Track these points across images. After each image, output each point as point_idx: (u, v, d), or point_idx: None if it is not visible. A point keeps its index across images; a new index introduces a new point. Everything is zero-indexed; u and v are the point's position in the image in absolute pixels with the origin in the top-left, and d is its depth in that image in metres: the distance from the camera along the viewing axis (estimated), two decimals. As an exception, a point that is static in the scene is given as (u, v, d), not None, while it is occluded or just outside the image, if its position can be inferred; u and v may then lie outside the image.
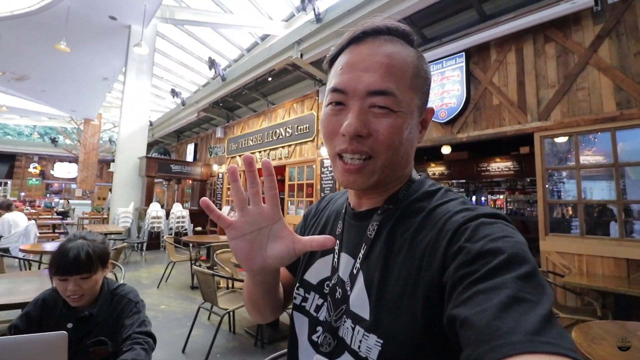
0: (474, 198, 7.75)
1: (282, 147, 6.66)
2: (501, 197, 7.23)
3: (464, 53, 3.91)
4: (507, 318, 0.30)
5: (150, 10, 6.83)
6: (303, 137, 6.16)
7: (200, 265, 4.29)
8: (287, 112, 6.70)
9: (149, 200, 7.65)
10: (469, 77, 3.90)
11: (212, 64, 6.51)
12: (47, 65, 9.14)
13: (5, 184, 15.95)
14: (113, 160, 11.91)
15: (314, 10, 4.54)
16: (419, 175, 0.56)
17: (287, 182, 6.64)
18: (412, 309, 0.41)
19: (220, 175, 8.68)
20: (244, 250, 0.44)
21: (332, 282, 0.54)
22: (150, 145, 10.99)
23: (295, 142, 6.31)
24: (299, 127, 6.23)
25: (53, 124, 16.07)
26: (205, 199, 0.43)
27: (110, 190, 8.84)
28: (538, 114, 3.34)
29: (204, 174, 9.11)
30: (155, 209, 7.04)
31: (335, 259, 0.55)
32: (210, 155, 9.36)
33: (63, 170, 16.72)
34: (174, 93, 8.68)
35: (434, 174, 8.34)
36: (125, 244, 4.23)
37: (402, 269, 0.44)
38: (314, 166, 5.99)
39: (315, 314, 0.55)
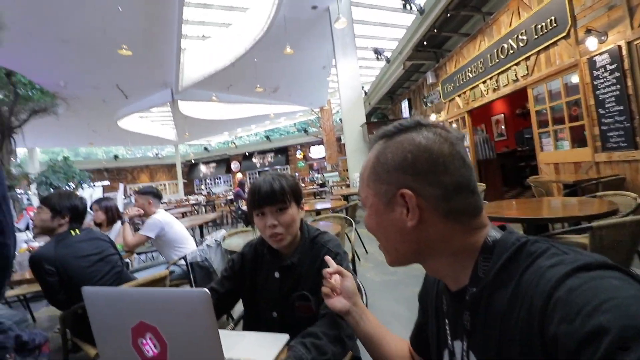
0: None
1: (516, 64, 4.98)
2: None
3: None
4: None
5: (339, -21, 6.91)
6: (549, 37, 4.30)
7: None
8: (514, 15, 4.92)
9: (377, 163, 8.11)
10: None
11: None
12: (285, 73, 11.52)
13: (285, 169, 22.24)
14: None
15: None
16: (494, 235, 0.48)
17: (532, 109, 4.95)
18: None
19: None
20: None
21: None
22: (369, 115, 11.69)
23: (537, 49, 4.51)
24: (539, 26, 4.39)
25: (302, 119, 20.75)
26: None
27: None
28: None
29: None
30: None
31: (450, 342, 0.55)
32: (425, 105, 8.68)
33: (316, 152, 21.27)
34: (377, 52, 8.60)
35: None
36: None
37: (505, 356, 0.41)
38: (576, 73, 4.07)
39: None
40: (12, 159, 8.89)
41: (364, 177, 0.55)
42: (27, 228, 4.97)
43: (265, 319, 1.07)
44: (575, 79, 4.12)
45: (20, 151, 14.02)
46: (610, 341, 0.28)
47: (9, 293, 2.81)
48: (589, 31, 3.71)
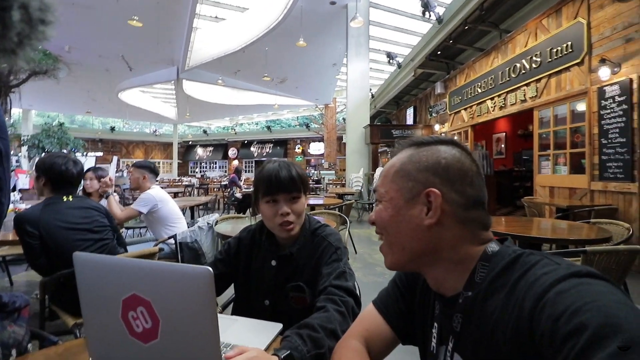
0: None
1: (526, 84, 5.00)
2: None
3: None
4: None
5: (360, -23, 6.85)
6: (562, 62, 4.31)
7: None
8: (531, 36, 4.93)
9: (375, 165, 8.14)
10: None
11: (425, 5, 5.72)
12: (295, 65, 11.44)
13: (284, 162, 22.25)
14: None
15: None
16: (494, 247, 0.51)
17: (536, 131, 4.98)
18: None
19: (443, 135, 7.88)
20: None
21: None
22: (373, 118, 11.67)
23: (549, 72, 4.53)
24: (555, 50, 4.41)
25: (305, 114, 20.67)
26: None
27: (346, 160, 10.13)
28: None
29: (425, 135, 8.62)
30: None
31: (434, 344, 0.57)
32: (430, 115, 8.69)
33: (315, 149, 21.27)
34: (389, 56, 8.58)
35: None
36: (355, 202, 4.48)
37: (492, 356, 0.43)
38: (584, 101, 4.09)
39: None
40: (6, 118, 8.68)
41: (389, 173, 0.56)
42: (14, 189, 4.87)
43: (257, 307, 1.04)
44: (582, 106, 4.15)
45: (15, 111, 13.72)
46: (588, 336, 0.30)
47: (-10, 252, 2.74)
48: (603, 61, 3.73)
